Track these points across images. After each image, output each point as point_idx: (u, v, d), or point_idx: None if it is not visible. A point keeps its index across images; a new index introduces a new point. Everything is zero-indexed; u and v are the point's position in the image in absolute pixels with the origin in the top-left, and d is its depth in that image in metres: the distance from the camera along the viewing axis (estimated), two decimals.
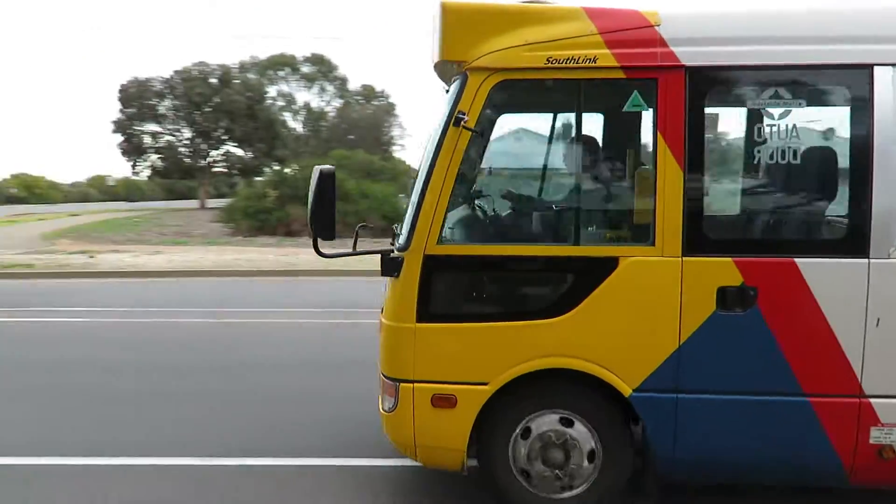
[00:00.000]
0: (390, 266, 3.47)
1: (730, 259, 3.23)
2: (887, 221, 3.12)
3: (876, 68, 3.13)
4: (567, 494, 3.47)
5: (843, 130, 3.43)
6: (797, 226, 3.63)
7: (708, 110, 3.38)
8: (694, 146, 3.26)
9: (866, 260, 3.15)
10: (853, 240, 3.20)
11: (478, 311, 3.49)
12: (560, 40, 3.31)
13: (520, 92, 3.61)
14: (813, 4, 3.44)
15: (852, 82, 3.26)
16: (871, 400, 3.23)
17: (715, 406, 3.33)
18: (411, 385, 3.47)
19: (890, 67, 3.12)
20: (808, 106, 3.58)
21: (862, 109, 3.19)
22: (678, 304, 3.25)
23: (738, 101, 3.65)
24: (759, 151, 3.48)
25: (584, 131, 3.64)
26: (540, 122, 3.73)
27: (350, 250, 3.69)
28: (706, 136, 3.36)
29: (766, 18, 3.40)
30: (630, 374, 3.33)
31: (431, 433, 3.49)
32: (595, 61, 3.28)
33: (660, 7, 3.41)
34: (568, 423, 3.45)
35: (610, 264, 3.28)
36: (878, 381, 3.21)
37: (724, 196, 3.84)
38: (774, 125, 3.46)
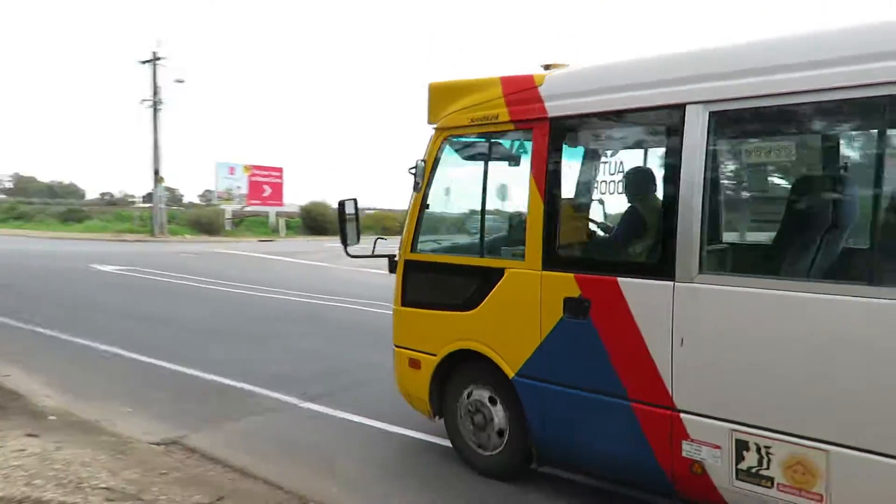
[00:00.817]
0: (392, 265, 5.04)
1: (571, 275, 3.91)
2: (690, 248, 3.40)
3: (687, 107, 3.46)
4: (484, 453, 4.64)
5: (659, 166, 4.20)
6: (621, 248, 4.42)
7: (565, 152, 4.14)
8: (551, 182, 4.05)
9: (672, 283, 3.47)
10: (662, 263, 3.54)
11: (428, 301, 4.82)
12: (480, 104, 4.43)
13: (457, 145, 4.80)
14: (643, 53, 3.91)
15: (668, 121, 3.64)
16: (681, 414, 3.50)
17: (565, 397, 4.00)
18: (399, 350, 5.05)
19: (698, 105, 3.42)
20: (633, 147, 4.70)
21: (673, 146, 3.56)
22: (539, 308, 4.05)
23: (583, 144, 4.87)
24: (597, 186, 4.87)
25: (492, 174, 4.60)
26: (473, 168, 4.71)
27: (370, 254, 5.17)
28: (561, 174, 4.11)
29: (607, 69, 4.02)
30: (512, 361, 4.26)
31: (410, 385, 5.01)
32: (497, 118, 4.34)
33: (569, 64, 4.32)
34: (493, 401, 4.52)
35: (500, 274, 4.29)
36: (685, 397, 3.47)
37: (572, 222, 4.59)
38: (608, 163, 4.74)
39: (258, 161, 43.01)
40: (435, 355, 4.72)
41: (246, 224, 41.92)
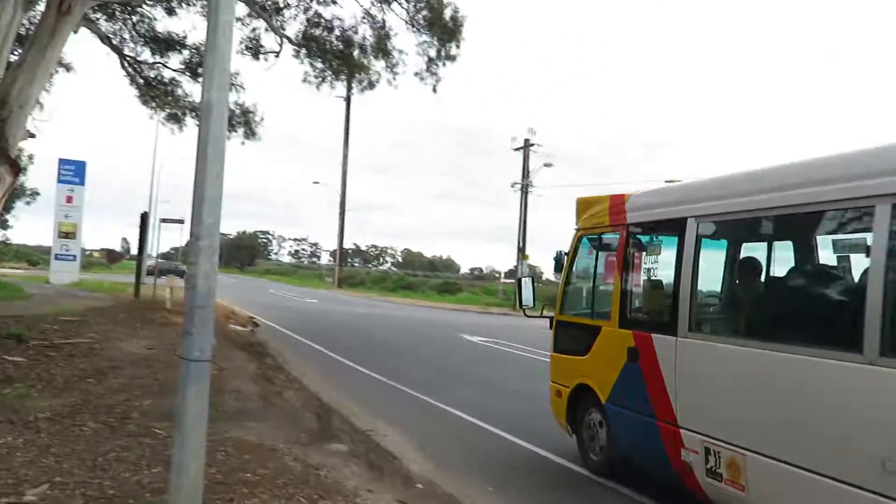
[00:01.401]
0: (551, 323, 7.20)
1: (629, 332, 5.75)
2: (686, 314, 5.15)
3: (688, 220, 5.34)
4: (595, 458, 6.37)
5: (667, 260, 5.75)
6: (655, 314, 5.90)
7: (637, 248, 6.12)
8: (625, 268, 6.04)
9: (675, 338, 5.18)
10: (671, 324, 5.29)
11: (566, 348, 6.91)
12: (597, 213, 6.61)
13: (588, 240, 6.87)
14: (714, 175, 5.44)
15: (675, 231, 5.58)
16: (681, 430, 5.11)
17: (628, 417, 5.77)
18: (552, 384, 7.10)
19: (692, 218, 5.30)
20: (668, 246, 5.81)
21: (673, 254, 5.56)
22: (617, 354, 5.86)
23: (647, 243, 6.18)
24: (654, 270, 6.01)
25: (602, 260, 6.68)
26: (595, 256, 6.81)
27: (540, 314, 7.47)
28: (631, 262, 6.05)
29: (660, 192, 6.18)
30: (604, 392, 6.08)
31: (556, 409, 7.04)
32: (604, 223, 6.50)
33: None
34: (601, 424, 6.26)
35: (599, 330, 6.21)
36: (682, 417, 5.10)
37: (636, 295, 6.20)
38: (659, 255, 5.95)
39: None
40: (568, 387, 6.72)
41: None
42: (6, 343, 9.75)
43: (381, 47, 20.80)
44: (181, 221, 23.65)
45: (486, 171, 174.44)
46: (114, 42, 19.21)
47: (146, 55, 20.44)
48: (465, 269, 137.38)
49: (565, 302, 7.03)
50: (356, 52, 20.40)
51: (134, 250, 32.18)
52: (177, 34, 20.46)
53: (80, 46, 26.16)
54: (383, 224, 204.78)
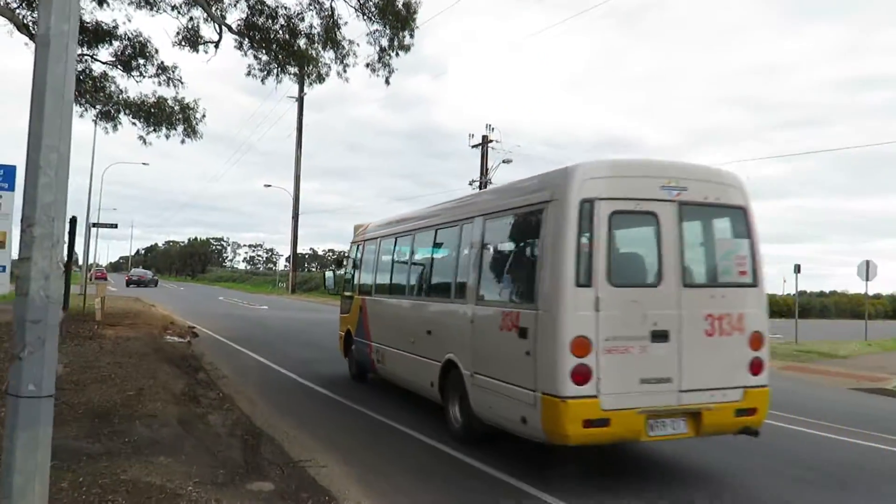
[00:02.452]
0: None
1: (360, 297, 11.10)
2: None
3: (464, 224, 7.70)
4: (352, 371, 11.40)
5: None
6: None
7: (362, 254, 11.83)
8: (357, 265, 11.85)
9: (369, 297, 10.59)
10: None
11: (342, 310, 12.35)
12: (357, 233, 12.40)
13: (353, 249, 12.39)
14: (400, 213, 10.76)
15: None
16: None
17: (359, 342, 10.99)
18: (339, 332, 12.36)
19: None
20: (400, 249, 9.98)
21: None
22: (357, 309, 11.24)
23: (364, 251, 11.58)
24: (366, 266, 11.39)
25: (353, 260, 12.38)
26: (353, 259, 12.35)
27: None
28: (360, 261, 11.75)
29: (373, 224, 11.84)
30: (353, 331, 11.29)
31: (340, 346, 12.12)
32: (357, 240, 12.23)
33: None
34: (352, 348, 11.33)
35: (352, 298, 11.56)
36: (372, 336, 10.30)
37: (362, 278, 11.36)
38: (366, 258, 11.50)
39: None
40: (342, 333, 11.98)
41: None
42: None
43: (331, 37, 19.56)
44: (114, 226, 22.02)
45: (445, 173, 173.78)
46: (33, 31, 17.60)
47: None
48: None
49: (343, 284, 12.18)
50: (303, 42, 19.13)
51: (85, 260, 30.39)
52: (106, 24, 18.91)
53: None
54: (340, 228, 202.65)
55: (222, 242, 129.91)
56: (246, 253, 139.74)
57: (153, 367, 10.63)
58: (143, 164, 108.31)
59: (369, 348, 10.08)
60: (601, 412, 5.39)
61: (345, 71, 20.40)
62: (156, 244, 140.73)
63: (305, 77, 21.59)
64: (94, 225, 21.39)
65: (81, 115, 20.96)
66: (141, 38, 19.40)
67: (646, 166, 6.06)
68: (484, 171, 34.87)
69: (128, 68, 19.62)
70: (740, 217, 6.18)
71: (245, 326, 21.33)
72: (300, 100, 55.59)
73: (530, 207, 6.24)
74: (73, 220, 19.94)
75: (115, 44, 19.20)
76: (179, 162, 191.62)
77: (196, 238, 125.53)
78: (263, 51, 19.24)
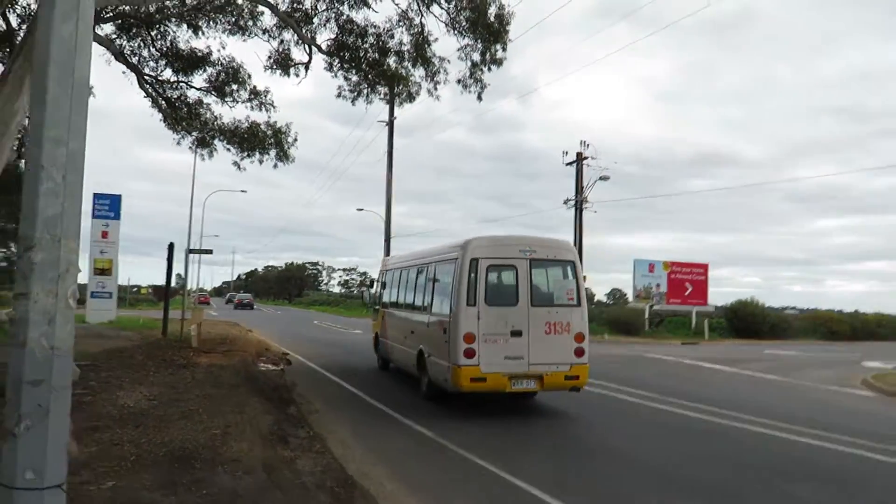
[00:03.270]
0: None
1: (383, 309, 15.93)
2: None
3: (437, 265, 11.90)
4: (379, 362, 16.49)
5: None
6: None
7: (384, 277, 17.22)
8: (382, 286, 17.00)
9: (385, 309, 15.45)
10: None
11: (373, 320, 19.14)
12: (382, 263, 18.74)
13: (381, 274, 18.04)
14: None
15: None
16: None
17: (382, 341, 15.85)
18: (372, 336, 18.20)
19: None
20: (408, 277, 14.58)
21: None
22: (381, 317, 16.18)
23: (386, 277, 16.65)
24: (386, 286, 16.43)
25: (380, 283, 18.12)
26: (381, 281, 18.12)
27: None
28: (382, 283, 17.05)
29: (389, 258, 18.47)
30: (380, 333, 16.34)
31: (373, 345, 17.25)
32: (381, 268, 18.15)
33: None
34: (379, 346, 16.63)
35: (378, 310, 17.14)
36: (385, 335, 15.41)
37: (384, 296, 16.54)
38: (388, 280, 16.54)
39: (674, 257, 40.24)
40: (373, 335, 17.78)
41: (665, 324, 38.95)
42: None
43: (421, 53, 18.95)
44: (210, 251, 22.07)
45: (533, 194, 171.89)
46: (131, 60, 17.85)
47: (167, 74, 19.04)
48: None
49: (375, 300, 17.06)
50: (392, 61, 18.61)
51: (192, 285, 31.02)
52: (200, 50, 18.99)
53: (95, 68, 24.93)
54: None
55: (318, 267, 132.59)
56: (340, 276, 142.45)
57: (243, 399, 10.03)
58: (242, 191, 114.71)
59: (385, 345, 15.04)
60: (481, 373, 9.67)
61: (435, 89, 19.72)
62: (255, 269, 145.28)
63: (395, 97, 21.09)
64: (191, 251, 21.46)
65: (178, 143, 21.21)
66: (234, 64, 19.44)
67: (511, 239, 10.56)
68: (580, 188, 33.42)
69: (221, 94, 19.67)
70: (570, 266, 10.53)
71: (338, 353, 20.83)
72: (390, 123, 55.68)
73: (451, 259, 10.61)
74: (171, 247, 20.15)
75: (209, 70, 19.28)
76: (276, 188, 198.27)
77: (293, 262, 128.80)
78: (353, 70, 18.87)
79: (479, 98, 19.63)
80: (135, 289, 68.55)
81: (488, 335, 9.71)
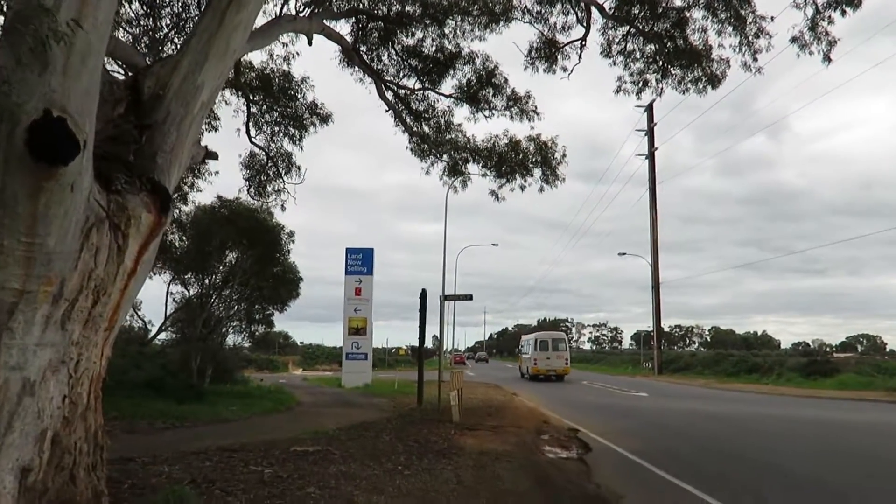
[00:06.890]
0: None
1: (521, 356, 53.10)
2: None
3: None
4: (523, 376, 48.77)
5: None
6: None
7: (520, 345, 57.53)
8: (519, 350, 59.29)
9: (523, 356, 48.68)
10: None
11: (518, 362, 62.34)
12: (520, 337, 65.47)
13: (520, 342, 57.94)
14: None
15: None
16: None
17: (522, 368, 49.74)
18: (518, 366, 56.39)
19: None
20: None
21: None
22: (521, 361, 52.54)
23: (523, 345, 50.86)
24: (522, 350, 53.81)
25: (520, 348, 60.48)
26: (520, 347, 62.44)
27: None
28: (519, 348, 59.69)
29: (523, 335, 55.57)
30: (521, 365, 50.19)
31: (519, 370, 52.49)
32: (520, 339, 67.75)
33: None
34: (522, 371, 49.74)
35: (519, 357, 59.32)
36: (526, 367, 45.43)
37: (521, 354, 55.28)
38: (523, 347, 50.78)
39: None
40: (518, 366, 58.30)
41: None
42: None
43: (735, 13, 13.83)
44: (469, 297, 18.08)
45: (795, 235, 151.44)
46: (367, 61, 14.75)
47: (411, 82, 15.68)
48: (786, 345, 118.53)
49: (518, 352, 56.23)
50: (700, 15, 13.49)
51: (454, 347, 28.08)
52: (448, 49, 15.41)
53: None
54: (681, 302, 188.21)
55: (566, 323, 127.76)
56: (590, 333, 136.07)
57: None
58: (493, 244, 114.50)
59: (520, 369, 44.83)
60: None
61: (755, 59, 14.31)
62: (506, 328, 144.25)
63: (692, 85, 15.73)
64: (447, 297, 17.69)
65: (427, 171, 17.74)
66: (489, 64, 15.63)
67: (546, 334, 43.75)
68: None
69: (474, 102, 15.92)
70: (564, 341, 41.22)
71: (641, 426, 15.22)
72: (650, 155, 50.06)
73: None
74: (423, 293, 16.54)
75: (458, 74, 15.64)
76: (521, 249, 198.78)
77: (545, 319, 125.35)
78: (642, 39, 14.08)
79: (826, 59, 13.88)
80: (393, 349, 68.95)
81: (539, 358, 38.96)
